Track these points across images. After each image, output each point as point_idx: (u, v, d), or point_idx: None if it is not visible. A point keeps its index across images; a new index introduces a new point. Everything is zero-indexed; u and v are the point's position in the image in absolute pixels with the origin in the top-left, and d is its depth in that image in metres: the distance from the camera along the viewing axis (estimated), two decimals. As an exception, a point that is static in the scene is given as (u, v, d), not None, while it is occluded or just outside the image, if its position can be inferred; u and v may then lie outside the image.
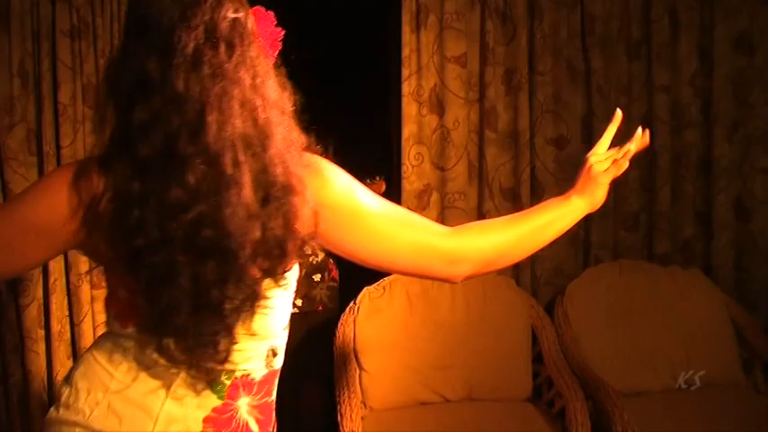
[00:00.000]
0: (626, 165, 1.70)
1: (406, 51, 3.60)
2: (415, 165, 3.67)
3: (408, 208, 3.61)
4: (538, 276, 3.79)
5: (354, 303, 3.50)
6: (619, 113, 1.71)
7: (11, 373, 3.48)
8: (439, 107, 3.65)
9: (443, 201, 3.70)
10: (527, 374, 3.44)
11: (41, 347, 3.47)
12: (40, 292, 3.45)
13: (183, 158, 1.21)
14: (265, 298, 1.36)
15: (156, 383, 1.36)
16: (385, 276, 3.48)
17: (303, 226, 1.32)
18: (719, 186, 3.76)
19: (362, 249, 1.42)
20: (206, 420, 1.38)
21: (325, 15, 3.91)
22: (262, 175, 1.27)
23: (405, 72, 3.61)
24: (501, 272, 3.68)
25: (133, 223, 1.22)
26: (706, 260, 3.84)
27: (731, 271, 3.82)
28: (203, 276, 1.24)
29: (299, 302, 3.68)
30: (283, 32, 1.43)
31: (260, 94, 1.29)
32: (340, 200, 1.38)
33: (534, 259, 3.76)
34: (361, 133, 3.96)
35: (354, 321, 3.45)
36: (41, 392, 3.51)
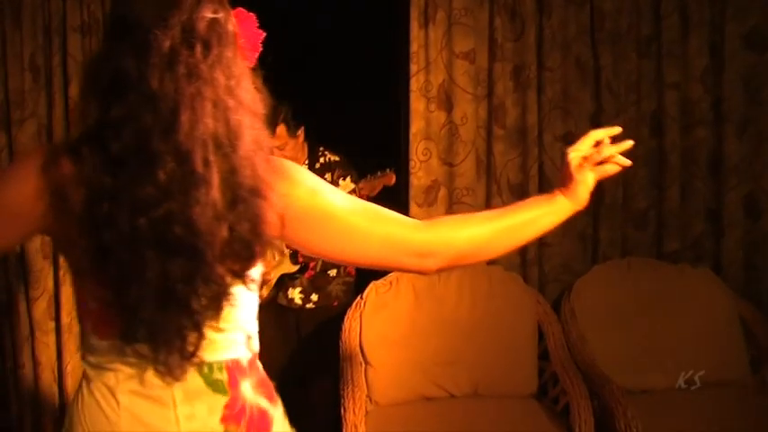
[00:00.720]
0: (615, 168, 1.65)
1: (414, 47, 3.60)
2: (422, 160, 3.68)
3: (416, 203, 3.68)
4: (546, 273, 3.78)
5: (361, 298, 3.51)
6: (618, 131, 1.69)
7: (21, 364, 3.53)
8: (447, 103, 3.65)
9: (451, 196, 3.70)
10: (533, 371, 3.44)
11: (51, 339, 3.52)
12: (50, 284, 3.50)
13: (154, 156, 1.24)
14: (232, 295, 1.38)
15: (158, 394, 1.39)
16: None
17: (270, 228, 1.34)
18: (730, 184, 3.74)
19: (334, 248, 1.44)
20: (223, 420, 1.42)
21: (335, 12, 3.92)
22: (230, 176, 1.28)
23: (413, 68, 3.61)
24: (508, 268, 3.69)
25: (103, 216, 1.24)
26: (716, 258, 3.81)
27: (741, 269, 3.79)
28: (171, 273, 1.26)
29: (314, 297, 3.70)
30: (264, 34, 1.44)
31: (234, 95, 1.30)
32: (308, 202, 1.39)
33: (542, 256, 3.76)
34: (369, 129, 3.97)
35: (361, 316, 3.46)
36: (51, 383, 3.55)
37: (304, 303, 3.71)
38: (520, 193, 3.70)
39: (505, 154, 3.69)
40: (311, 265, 3.68)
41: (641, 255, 3.79)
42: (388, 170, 3.50)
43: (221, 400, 1.42)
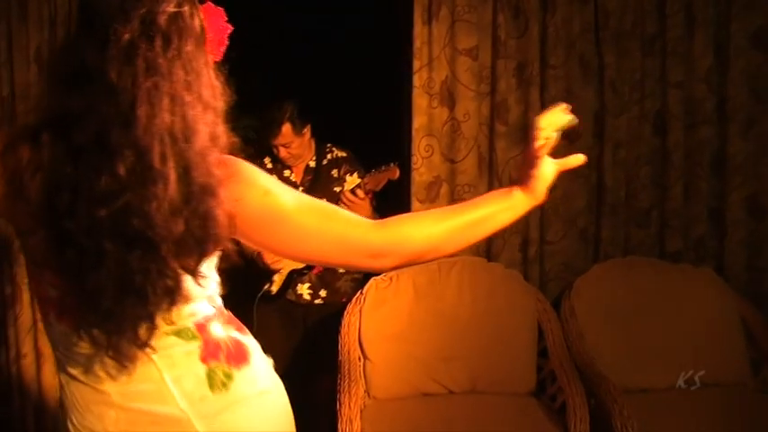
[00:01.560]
0: (578, 161, 1.71)
1: (417, 43, 3.60)
2: (425, 156, 3.68)
3: (418, 200, 3.68)
4: (547, 271, 3.78)
5: (361, 293, 3.52)
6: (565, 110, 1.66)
7: (24, 354, 3.56)
8: (450, 99, 3.65)
9: (453, 193, 3.70)
10: (531, 368, 3.44)
11: (53, 330, 3.54)
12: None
13: (114, 149, 1.25)
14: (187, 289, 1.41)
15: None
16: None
17: (220, 226, 1.34)
18: (733, 184, 3.72)
19: (288, 247, 1.47)
20: (202, 359, 1.47)
21: (339, 7, 3.93)
22: (185, 172, 1.29)
23: (416, 64, 3.61)
24: (509, 265, 3.69)
25: (63, 206, 1.26)
26: (718, 258, 3.80)
27: (743, 270, 3.77)
28: (129, 264, 1.28)
29: (323, 293, 3.70)
30: (231, 28, 1.44)
31: (192, 90, 1.31)
32: (261, 202, 1.41)
33: (543, 254, 3.76)
34: (372, 124, 3.97)
35: (360, 311, 3.47)
36: (54, 373, 3.58)
37: (312, 299, 3.71)
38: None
39: (508, 151, 3.69)
40: None
41: (643, 254, 3.78)
42: (392, 164, 3.50)
43: (195, 344, 1.47)
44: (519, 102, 3.67)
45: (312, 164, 3.74)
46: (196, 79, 1.32)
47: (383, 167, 3.47)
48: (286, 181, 3.73)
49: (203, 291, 1.46)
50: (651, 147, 3.75)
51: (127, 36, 1.26)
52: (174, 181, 1.27)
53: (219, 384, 1.48)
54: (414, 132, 3.66)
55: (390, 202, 3.71)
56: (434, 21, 3.59)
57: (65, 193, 1.26)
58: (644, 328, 3.48)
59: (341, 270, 3.72)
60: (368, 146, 3.83)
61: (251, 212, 1.40)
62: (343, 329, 3.44)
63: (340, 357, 3.35)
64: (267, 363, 1.65)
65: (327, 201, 3.47)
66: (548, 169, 1.60)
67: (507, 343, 3.45)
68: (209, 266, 1.47)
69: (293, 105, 3.59)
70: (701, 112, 3.71)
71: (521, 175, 1.60)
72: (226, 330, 1.53)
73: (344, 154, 3.76)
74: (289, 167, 3.74)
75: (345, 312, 3.49)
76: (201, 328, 1.48)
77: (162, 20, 1.29)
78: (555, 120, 1.58)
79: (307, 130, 3.64)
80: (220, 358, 1.49)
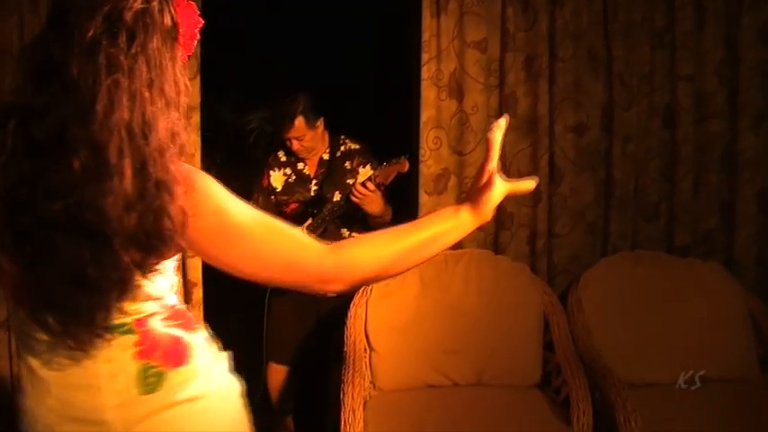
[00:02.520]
0: (529, 187, 1.66)
1: (425, 36, 3.61)
2: (433, 149, 3.68)
3: (425, 192, 3.69)
4: (555, 264, 3.78)
5: (367, 285, 3.53)
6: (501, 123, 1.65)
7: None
8: (458, 92, 3.65)
9: (461, 185, 3.70)
10: (537, 361, 3.43)
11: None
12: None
13: (70, 144, 1.25)
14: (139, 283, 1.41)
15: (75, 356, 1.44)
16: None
17: (175, 223, 1.33)
18: (743, 178, 3.70)
19: (239, 264, 1.45)
20: (136, 357, 1.44)
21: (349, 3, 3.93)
22: (142, 168, 1.29)
23: (424, 56, 3.62)
24: (516, 258, 3.69)
25: (22, 200, 1.27)
26: (728, 253, 3.78)
27: (753, 265, 3.76)
28: (82, 257, 1.29)
29: None
30: (202, 23, 1.43)
31: (155, 86, 1.31)
32: (215, 215, 1.40)
33: (551, 247, 3.76)
34: (380, 116, 3.98)
35: (367, 303, 3.48)
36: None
37: (325, 292, 3.71)
38: (530, 183, 3.69)
39: (516, 144, 3.69)
40: None
41: (652, 248, 3.77)
42: (401, 157, 3.50)
43: (131, 339, 1.44)
44: (527, 94, 3.67)
45: (326, 156, 3.76)
46: (160, 75, 1.31)
47: (393, 160, 3.47)
48: (299, 174, 3.76)
49: (153, 288, 1.44)
50: (660, 140, 3.74)
51: (90, 33, 1.27)
52: (130, 176, 1.27)
53: (149, 385, 1.45)
54: (422, 125, 3.67)
55: (399, 194, 3.72)
56: (443, 13, 3.60)
57: (23, 187, 1.27)
58: (651, 322, 3.47)
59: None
60: (382, 138, 3.84)
61: (205, 225, 1.38)
62: (350, 320, 3.46)
63: (345, 348, 3.36)
64: (217, 362, 1.60)
65: (340, 193, 3.55)
66: (498, 190, 1.59)
67: (513, 336, 3.45)
68: (166, 265, 1.45)
69: (306, 98, 3.61)
70: (711, 105, 3.69)
71: (470, 193, 1.60)
72: (167, 327, 1.49)
73: (357, 146, 3.77)
74: (302, 160, 3.76)
75: (352, 304, 3.50)
76: (140, 323, 1.45)
77: (127, 16, 1.29)
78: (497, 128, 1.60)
79: (320, 123, 3.66)
80: (155, 356, 1.46)
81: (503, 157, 3.67)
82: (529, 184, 1.66)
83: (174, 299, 1.55)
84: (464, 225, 1.58)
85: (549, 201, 3.72)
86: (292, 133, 3.60)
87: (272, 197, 3.81)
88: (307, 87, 3.72)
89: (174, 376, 1.47)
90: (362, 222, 3.69)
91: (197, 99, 3.62)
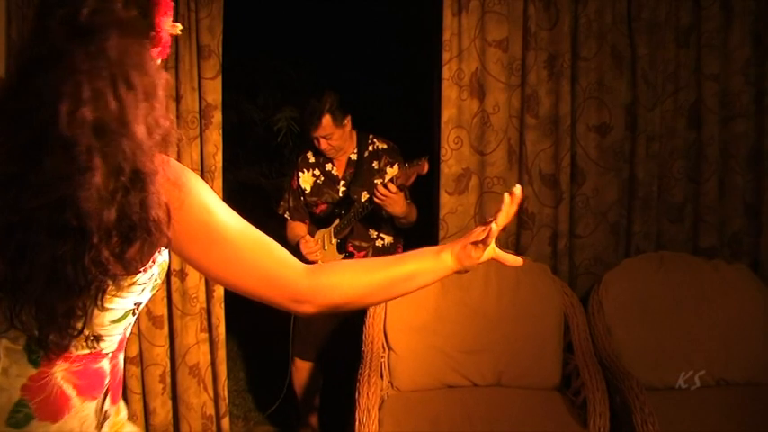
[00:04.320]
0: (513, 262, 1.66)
1: (447, 35, 3.59)
2: (454, 148, 3.67)
3: (446, 192, 3.67)
4: (576, 265, 3.74)
5: (387, 285, 3.52)
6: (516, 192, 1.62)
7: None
8: (479, 91, 3.63)
9: (482, 185, 3.69)
10: (557, 363, 3.41)
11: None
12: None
13: (45, 145, 1.26)
14: (102, 295, 1.38)
15: None
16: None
17: (158, 216, 1.32)
18: (770, 179, 3.64)
19: (217, 269, 1.45)
20: (23, 389, 1.42)
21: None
22: (115, 163, 1.28)
23: (445, 56, 3.60)
24: (538, 259, 3.66)
25: (10, 202, 1.28)
26: (754, 255, 3.72)
27: (780, 267, 3.68)
28: (61, 254, 1.28)
29: None
30: (171, 18, 1.43)
31: (119, 82, 1.30)
32: (203, 218, 1.40)
33: (573, 247, 3.73)
34: (403, 115, 3.98)
35: (386, 303, 3.48)
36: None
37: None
38: (552, 182, 3.67)
39: (538, 144, 3.66)
40: (358, 255, 3.71)
41: (677, 250, 3.72)
42: (422, 159, 3.50)
43: (30, 371, 1.43)
44: (549, 94, 3.64)
45: (354, 156, 3.76)
46: (126, 70, 1.31)
47: (414, 162, 3.47)
48: (328, 175, 3.77)
49: (100, 322, 1.43)
50: (685, 140, 3.69)
51: (51, 36, 1.28)
52: (103, 172, 1.26)
53: (16, 420, 1.42)
54: (443, 124, 3.65)
55: (420, 194, 3.71)
56: (464, 12, 3.58)
57: (10, 188, 1.28)
58: (674, 324, 3.42)
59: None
60: (409, 137, 3.85)
61: (190, 226, 1.39)
62: (368, 320, 3.46)
63: (363, 347, 3.37)
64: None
65: (368, 193, 3.55)
66: (487, 253, 1.60)
67: (533, 337, 3.42)
68: (136, 286, 1.44)
69: (332, 96, 3.62)
70: (737, 104, 3.63)
71: (461, 241, 1.59)
72: (63, 381, 1.45)
73: (385, 145, 3.77)
74: (331, 161, 3.77)
75: (371, 303, 3.50)
76: (49, 361, 1.43)
77: (83, 16, 1.29)
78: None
79: (347, 122, 3.67)
80: (35, 400, 1.43)
81: (525, 157, 3.67)
82: (515, 260, 1.67)
83: (111, 347, 1.51)
84: (442, 269, 1.58)
85: (571, 201, 3.69)
86: (320, 132, 3.61)
87: (302, 198, 3.83)
88: (334, 87, 3.74)
89: (37, 428, 1.44)
90: (390, 223, 3.69)
91: (219, 98, 3.64)
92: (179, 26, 1.45)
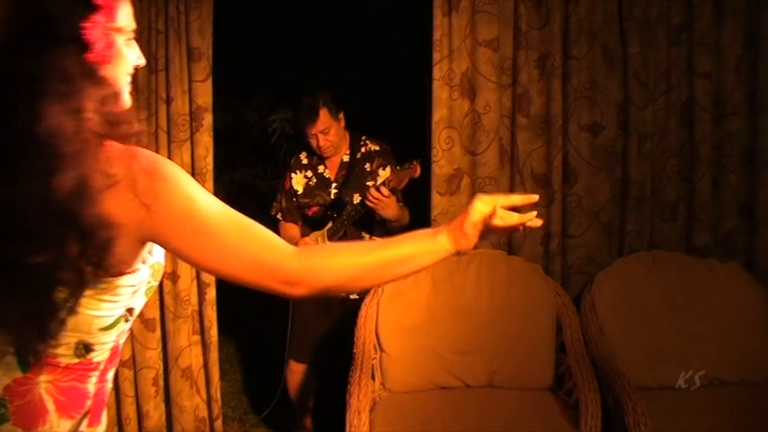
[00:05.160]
0: (510, 223, 1.58)
1: (437, 35, 3.58)
2: (445, 149, 3.66)
3: (438, 192, 3.66)
4: (569, 265, 3.73)
5: (379, 285, 3.51)
6: (535, 198, 1.63)
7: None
8: (470, 91, 3.62)
9: (474, 185, 3.67)
10: (549, 363, 3.39)
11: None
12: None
13: (3, 155, 1.28)
14: (77, 297, 1.37)
15: None
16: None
17: (92, 220, 1.30)
18: (763, 177, 3.61)
19: (202, 259, 1.42)
20: (5, 388, 1.42)
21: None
22: (50, 168, 1.28)
23: (436, 56, 3.59)
24: (531, 258, 3.65)
25: None
26: (748, 254, 3.69)
27: (774, 266, 3.66)
28: (28, 263, 1.28)
29: None
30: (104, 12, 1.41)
31: (57, 89, 1.30)
32: (183, 207, 1.37)
33: (566, 247, 3.71)
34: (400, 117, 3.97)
35: (378, 303, 3.47)
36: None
37: (348, 294, 3.72)
38: (544, 182, 3.66)
39: (529, 143, 3.64)
40: None
41: (670, 249, 3.70)
42: (414, 162, 3.49)
43: (16, 373, 1.42)
44: (541, 93, 3.63)
45: (346, 158, 3.76)
46: (61, 81, 1.31)
47: (406, 165, 3.47)
48: (320, 177, 3.76)
49: (90, 323, 1.42)
50: (678, 139, 3.67)
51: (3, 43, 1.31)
52: (41, 177, 1.27)
53: None
54: (434, 125, 3.64)
55: (411, 194, 3.70)
56: (455, 12, 3.57)
57: None
58: (667, 323, 3.41)
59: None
60: (400, 139, 3.84)
61: (172, 216, 1.35)
62: (360, 321, 3.45)
63: (354, 349, 3.36)
64: None
65: (360, 196, 3.54)
66: (484, 231, 1.57)
67: (525, 337, 3.41)
68: (119, 293, 1.42)
69: (326, 92, 3.63)
70: (729, 103, 3.62)
71: (456, 224, 1.55)
72: (46, 392, 1.44)
73: (378, 147, 3.76)
74: (323, 163, 3.77)
75: (363, 304, 3.50)
76: (36, 369, 1.42)
77: (12, 31, 1.31)
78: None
79: (342, 117, 3.69)
80: (13, 403, 1.42)
81: (516, 157, 3.66)
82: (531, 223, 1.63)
83: (102, 357, 1.49)
84: (439, 251, 1.55)
85: (563, 201, 3.67)
86: (318, 126, 3.61)
87: (294, 200, 3.82)
88: (327, 87, 3.74)
89: (7, 430, 1.43)
90: (383, 225, 3.68)
91: (209, 101, 3.63)
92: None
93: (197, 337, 3.75)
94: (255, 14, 5.11)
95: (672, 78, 3.63)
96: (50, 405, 1.45)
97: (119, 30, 1.41)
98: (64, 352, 1.43)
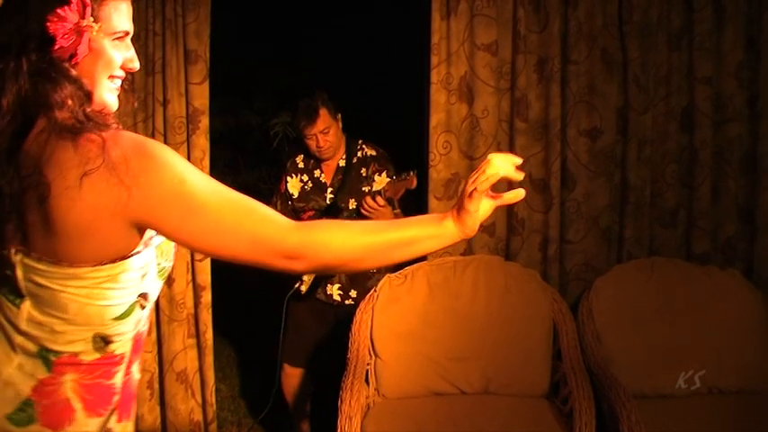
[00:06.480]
0: (517, 197, 1.53)
1: (435, 38, 3.56)
2: (442, 153, 3.64)
3: (435, 197, 3.64)
4: (567, 271, 3.70)
5: (375, 291, 3.50)
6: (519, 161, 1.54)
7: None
8: (468, 95, 3.60)
9: (472, 191, 3.64)
10: (545, 370, 3.36)
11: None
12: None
13: None
14: (85, 288, 1.37)
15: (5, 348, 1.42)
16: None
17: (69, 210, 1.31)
18: (764, 184, 3.58)
19: (199, 240, 1.39)
20: (33, 389, 1.41)
21: (359, 3, 3.92)
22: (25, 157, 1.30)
23: (434, 60, 3.57)
24: (528, 264, 3.62)
25: None
26: (748, 261, 3.66)
27: (775, 273, 3.62)
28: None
29: (353, 293, 3.69)
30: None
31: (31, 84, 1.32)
32: (174, 188, 1.33)
33: (564, 253, 3.68)
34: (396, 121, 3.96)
35: (373, 309, 3.45)
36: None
37: (343, 300, 3.70)
38: (542, 187, 3.63)
39: (528, 148, 3.61)
40: None
41: (669, 255, 3.66)
42: (410, 173, 3.47)
43: (42, 374, 1.41)
44: (539, 98, 3.60)
45: (342, 163, 3.73)
46: (44, 77, 1.33)
47: (403, 175, 3.45)
48: (316, 181, 3.74)
49: (106, 310, 1.40)
50: (678, 144, 3.64)
51: None
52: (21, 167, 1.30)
53: (19, 418, 1.41)
54: (431, 129, 3.62)
55: (408, 199, 3.68)
56: (453, 15, 3.55)
57: None
58: (665, 331, 3.37)
59: (371, 270, 3.71)
60: (401, 143, 3.82)
61: (157, 196, 1.32)
62: (355, 327, 3.42)
63: (349, 354, 3.33)
64: None
65: (356, 201, 3.53)
66: (485, 206, 1.51)
67: (521, 344, 3.38)
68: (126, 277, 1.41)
69: (323, 92, 3.62)
70: (730, 108, 3.58)
71: (458, 206, 1.51)
72: (73, 393, 1.44)
73: (374, 152, 3.74)
74: (319, 167, 3.75)
75: (358, 310, 3.47)
76: (61, 368, 1.42)
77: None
78: (506, 166, 1.50)
79: (339, 118, 3.67)
80: (41, 403, 1.42)
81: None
82: (516, 194, 1.54)
83: (123, 348, 1.48)
84: (445, 235, 1.51)
85: (561, 206, 3.64)
86: (318, 126, 3.58)
87: (289, 203, 3.81)
88: (328, 91, 3.73)
89: (36, 430, 1.42)
90: None
91: (206, 103, 3.62)
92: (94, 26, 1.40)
93: (192, 341, 3.74)
94: (257, 17, 5.11)
95: (672, 83, 3.60)
96: (77, 404, 1.44)
97: (90, 28, 1.37)
98: (82, 348, 1.42)
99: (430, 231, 1.50)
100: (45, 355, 1.40)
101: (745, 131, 3.61)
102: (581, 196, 3.64)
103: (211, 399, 3.79)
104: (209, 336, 3.74)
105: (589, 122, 3.61)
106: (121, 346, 1.47)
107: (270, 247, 1.39)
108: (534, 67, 3.59)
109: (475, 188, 1.47)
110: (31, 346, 1.40)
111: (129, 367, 1.52)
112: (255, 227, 1.39)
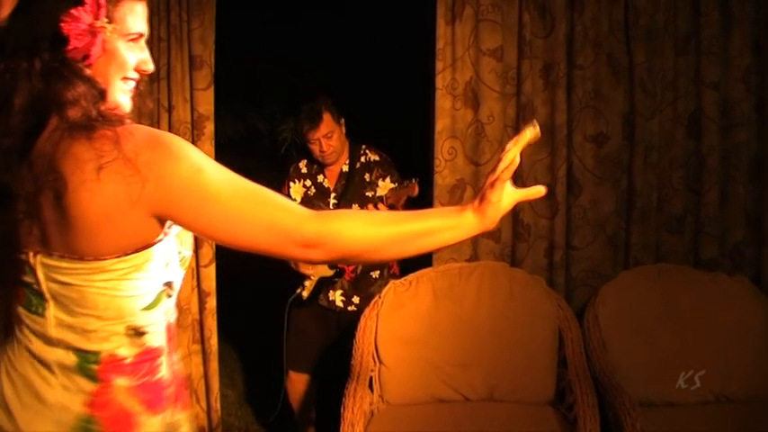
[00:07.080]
0: (538, 193, 1.54)
1: (440, 44, 3.56)
2: (448, 159, 3.62)
3: (440, 203, 3.62)
4: (573, 277, 3.67)
5: (379, 297, 3.49)
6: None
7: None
8: (474, 101, 3.59)
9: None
10: (551, 377, 3.34)
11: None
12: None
13: None
14: (112, 280, 1.37)
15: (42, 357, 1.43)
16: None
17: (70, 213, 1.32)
18: (773, 189, 3.55)
19: (216, 230, 1.38)
20: (88, 405, 1.40)
21: (364, 9, 3.92)
22: (38, 155, 1.31)
23: (439, 65, 3.57)
24: (534, 271, 3.60)
25: None
26: (756, 267, 3.62)
27: (783, 280, 3.59)
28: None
29: (356, 300, 3.69)
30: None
31: (49, 90, 1.32)
32: (191, 180, 1.33)
33: (570, 259, 3.66)
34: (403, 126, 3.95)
35: (377, 315, 3.43)
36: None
37: (345, 306, 3.70)
38: (547, 194, 3.57)
39: (533, 154, 3.60)
40: (349, 269, 3.67)
41: (677, 261, 3.63)
42: (412, 180, 3.47)
43: (90, 386, 1.40)
44: (545, 103, 3.59)
45: (345, 168, 3.73)
46: (54, 78, 1.33)
47: (405, 183, 3.45)
48: (319, 187, 3.74)
49: (131, 301, 1.41)
50: (685, 150, 3.61)
51: None
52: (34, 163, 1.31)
53: None
54: (437, 134, 3.61)
55: (413, 205, 3.67)
56: (458, 21, 3.54)
57: None
58: (672, 338, 3.34)
59: (374, 276, 3.70)
60: (406, 148, 3.82)
61: (174, 186, 1.32)
62: (359, 333, 3.41)
63: (352, 361, 3.32)
64: None
65: (359, 206, 3.52)
66: (507, 198, 1.49)
67: (527, 350, 3.36)
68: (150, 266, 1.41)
69: (326, 97, 3.63)
70: (737, 113, 3.56)
71: (479, 197, 1.49)
72: (128, 397, 1.44)
73: (378, 157, 3.73)
74: (323, 172, 3.74)
75: (362, 316, 3.46)
76: (106, 374, 1.42)
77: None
78: (521, 140, 1.48)
79: (342, 123, 3.66)
80: (102, 414, 1.41)
81: (519, 169, 3.60)
82: (538, 189, 1.55)
83: (159, 339, 1.48)
84: (465, 227, 1.47)
85: (567, 212, 3.62)
86: (322, 130, 3.58)
87: None
88: (337, 96, 3.74)
89: None
90: None
91: (211, 109, 3.63)
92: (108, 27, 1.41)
93: (197, 347, 3.74)
94: (257, 18, 5.11)
95: (678, 88, 3.58)
96: (136, 407, 1.44)
97: (105, 29, 1.38)
98: (117, 343, 1.41)
99: (449, 222, 1.47)
100: (85, 366, 1.40)
101: (752, 136, 3.58)
102: (587, 202, 3.62)
103: (216, 404, 3.78)
104: (214, 341, 3.74)
105: (595, 128, 3.59)
106: (156, 337, 1.47)
107: (287, 235, 1.38)
108: (540, 72, 3.58)
109: (497, 177, 1.45)
110: (68, 360, 1.40)
111: (170, 357, 1.52)
112: (272, 215, 1.37)
